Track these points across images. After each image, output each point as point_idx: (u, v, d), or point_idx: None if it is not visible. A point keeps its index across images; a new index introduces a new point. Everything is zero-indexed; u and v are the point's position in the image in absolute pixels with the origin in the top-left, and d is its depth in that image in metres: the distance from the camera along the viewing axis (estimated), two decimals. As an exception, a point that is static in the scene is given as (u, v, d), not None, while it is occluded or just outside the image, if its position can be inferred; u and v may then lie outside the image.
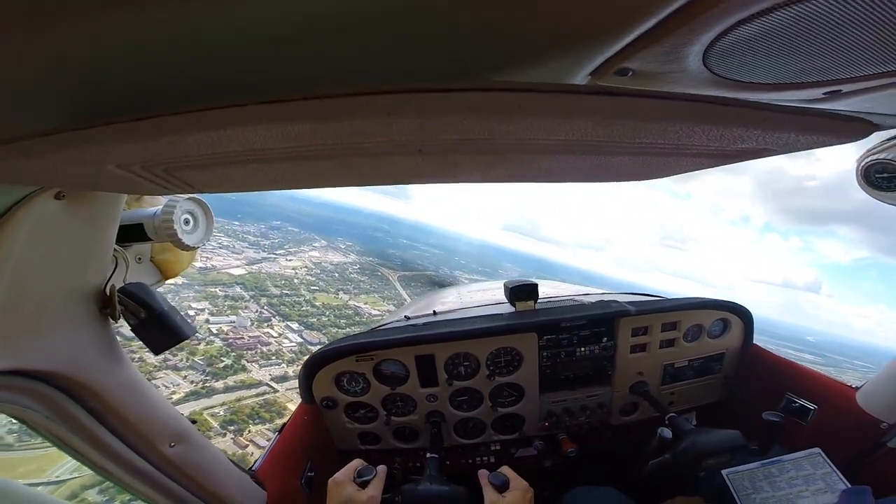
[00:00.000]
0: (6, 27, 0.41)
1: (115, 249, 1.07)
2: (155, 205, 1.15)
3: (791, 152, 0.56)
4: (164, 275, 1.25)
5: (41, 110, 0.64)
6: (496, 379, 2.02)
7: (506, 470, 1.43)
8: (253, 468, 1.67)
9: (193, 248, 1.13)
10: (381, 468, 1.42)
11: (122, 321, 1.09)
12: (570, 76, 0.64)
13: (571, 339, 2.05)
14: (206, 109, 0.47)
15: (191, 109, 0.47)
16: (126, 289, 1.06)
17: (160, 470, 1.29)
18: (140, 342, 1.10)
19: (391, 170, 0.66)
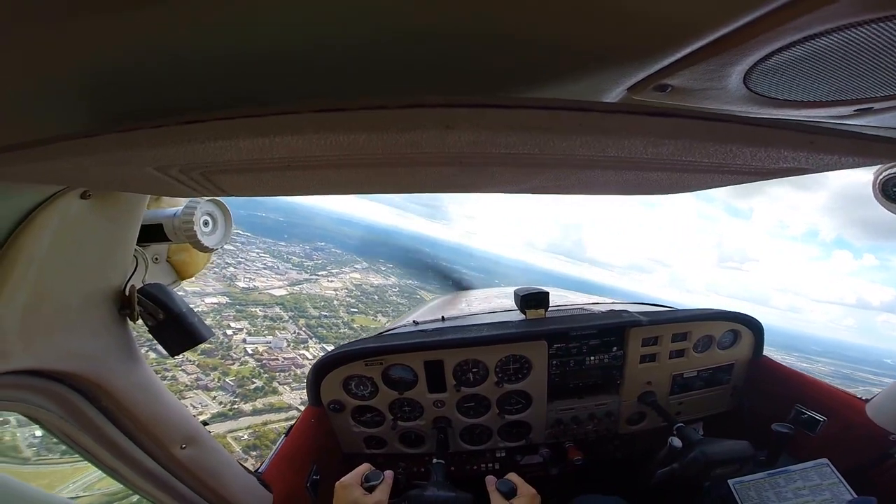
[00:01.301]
0: (46, 27, 0.42)
1: (134, 249, 1.07)
2: (174, 205, 1.15)
3: (829, 171, 0.57)
4: (180, 275, 1.25)
5: (79, 112, 0.64)
6: (504, 386, 2.02)
7: (513, 477, 1.43)
8: (259, 470, 1.66)
9: (211, 250, 1.13)
10: (389, 473, 1.42)
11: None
12: (608, 90, 0.65)
13: (581, 348, 2.06)
14: (259, 115, 0.47)
15: (243, 115, 0.47)
16: (145, 289, 1.06)
17: (170, 471, 1.28)
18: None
19: (428, 179, 0.67)
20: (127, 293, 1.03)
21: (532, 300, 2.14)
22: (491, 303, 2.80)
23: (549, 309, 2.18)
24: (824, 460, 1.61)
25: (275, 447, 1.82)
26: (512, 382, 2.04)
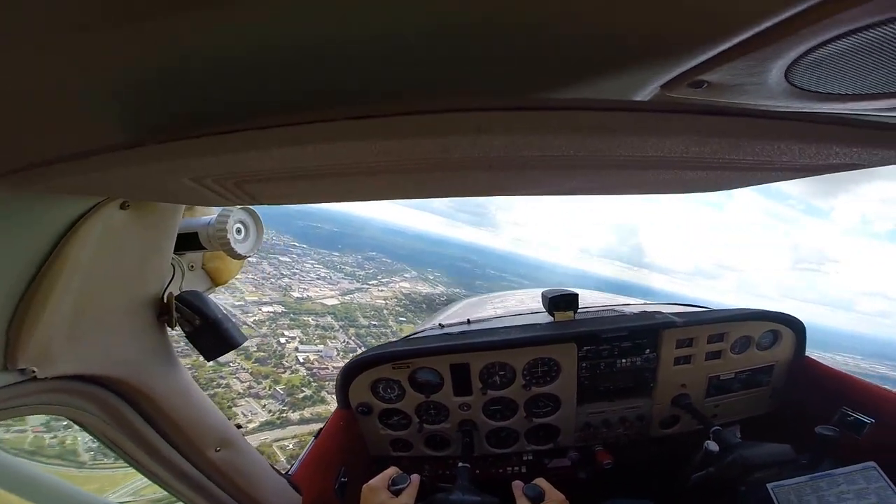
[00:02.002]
0: (84, 37, 0.43)
1: (171, 258, 1.10)
2: (207, 214, 1.18)
3: (882, 165, 0.54)
4: (215, 282, 1.28)
5: (121, 123, 0.66)
6: (532, 389, 2.00)
7: (541, 482, 1.41)
8: (289, 472, 1.69)
9: (244, 257, 1.16)
10: (415, 477, 1.42)
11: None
12: (641, 87, 0.64)
13: (612, 351, 2.02)
14: (294, 124, 0.48)
15: (278, 123, 0.48)
16: (182, 296, 1.09)
17: (204, 473, 1.32)
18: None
19: (461, 182, 0.67)
20: (165, 300, 1.07)
21: (561, 302, 2.11)
22: (518, 305, 2.78)
23: (579, 311, 2.15)
24: (871, 463, 1.54)
25: (304, 450, 1.85)
26: (540, 385, 2.02)
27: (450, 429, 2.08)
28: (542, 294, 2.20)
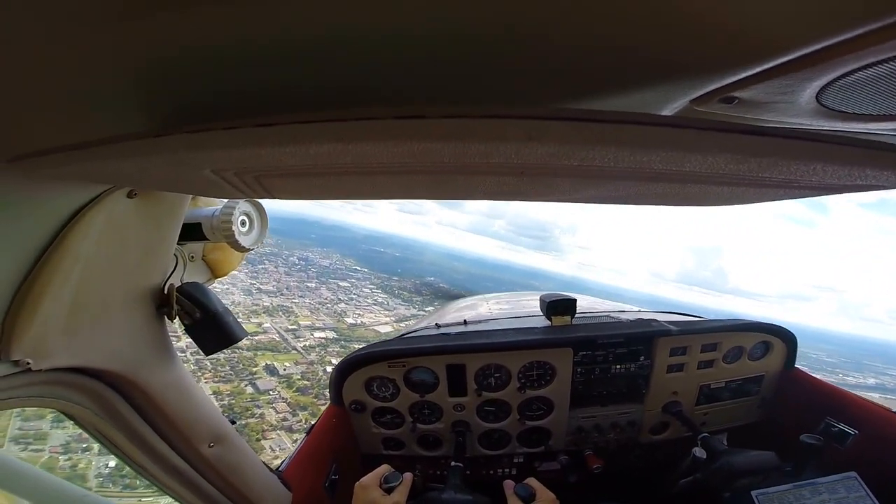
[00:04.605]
0: (107, 29, 0.41)
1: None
2: (210, 204, 1.16)
3: None
4: (215, 274, 1.25)
5: (143, 112, 0.64)
6: (527, 392, 2.02)
7: (532, 482, 1.42)
8: (280, 469, 1.67)
9: (248, 250, 1.14)
10: (408, 475, 1.42)
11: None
12: (672, 101, 0.64)
13: (607, 357, 2.04)
14: (342, 120, 0.47)
15: (325, 118, 0.47)
16: (183, 288, 1.06)
17: (196, 469, 1.29)
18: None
19: (485, 187, 0.66)
20: (166, 292, 1.04)
21: (559, 307, 2.13)
22: (515, 307, 2.80)
23: (576, 316, 2.17)
24: (852, 473, 1.59)
25: (296, 446, 1.83)
26: (534, 388, 2.03)
27: (443, 429, 2.08)
28: (541, 298, 2.21)
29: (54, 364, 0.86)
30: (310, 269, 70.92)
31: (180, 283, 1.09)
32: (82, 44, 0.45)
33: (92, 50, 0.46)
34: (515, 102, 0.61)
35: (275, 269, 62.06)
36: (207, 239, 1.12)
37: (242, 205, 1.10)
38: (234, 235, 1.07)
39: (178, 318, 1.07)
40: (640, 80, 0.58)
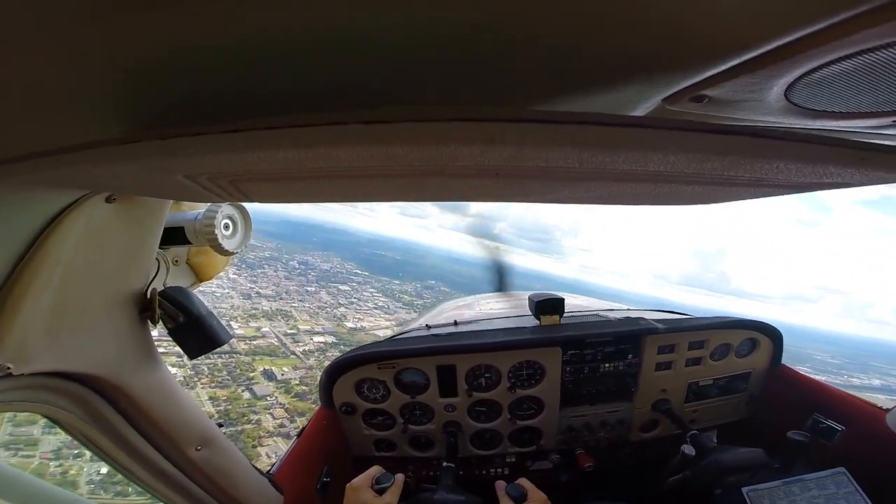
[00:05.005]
0: (83, 33, 0.41)
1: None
2: (194, 208, 1.15)
3: (874, 185, 0.56)
4: (199, 277, 1.25)
5: (115, 118, 0.64)
6: (517, 392, 2.02)
7: (523, 482, 1.43)
8: (271, 472, 1.66)
9: (231, 253, 1.14)
10: (399, 476, 1.42)
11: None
12: (644, 99, 0.64)
13: (596, 355, 2.05)
14: (300, 126, 0.47)
15: (286, 124, 0.47)
16: (166, 292, 1.06)
17: (184, 472, 1.29)
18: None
19: (459, 188, 0.66)
20: (148, 296, 1.04)
21: (547, 306, 2.13)
22: (504, 308, 2.80)
23: (564, 315, 2.17)
24: (841, 469, 1.60)
25: (287, 449, 1.83)
26: (525, 388, 2.03)
27: (434, 430, 2.08)
28: (529, 298, 2.21)
29: (36, 369, 0.86)
30: (310, 273, 70.48)
31: (163, 287, 1.08)
32: (51, 50, 0.45)
33: (61, 56, 0.46)
34: (487, 104, 0.62)
35: (274, 274, 61.72)
36: (191, 243, 1.11)
37: (225, 208, 1.10)
38: (216, 239, 1.07)
39: (161, 321, 1.06)
40: (609, 79, 0.58)
